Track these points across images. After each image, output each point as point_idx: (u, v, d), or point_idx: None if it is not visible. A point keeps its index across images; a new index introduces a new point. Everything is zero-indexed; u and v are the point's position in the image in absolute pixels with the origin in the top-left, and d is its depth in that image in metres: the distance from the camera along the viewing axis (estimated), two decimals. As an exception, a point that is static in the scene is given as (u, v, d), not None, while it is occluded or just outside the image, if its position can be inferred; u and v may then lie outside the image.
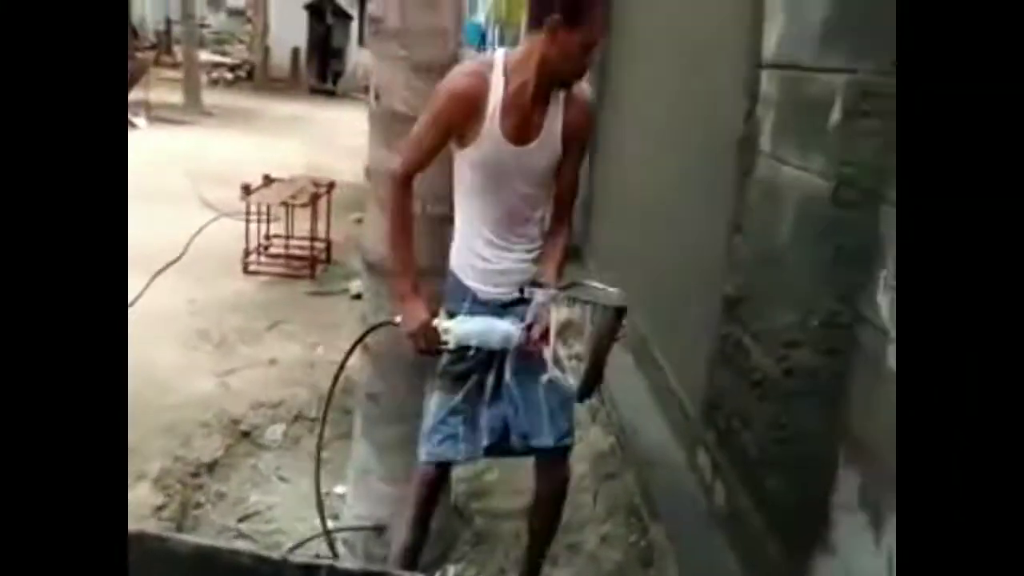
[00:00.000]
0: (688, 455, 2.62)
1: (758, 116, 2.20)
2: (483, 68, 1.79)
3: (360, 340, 2.06)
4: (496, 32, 15.91)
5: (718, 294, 2.38)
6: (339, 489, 2.73)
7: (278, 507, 2.71)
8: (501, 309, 1.89)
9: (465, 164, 1.84)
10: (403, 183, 1.83)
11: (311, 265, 5.38)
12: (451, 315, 1.90)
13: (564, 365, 1.79)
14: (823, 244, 1.67)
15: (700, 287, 2.59)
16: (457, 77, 1.80)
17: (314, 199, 5.56)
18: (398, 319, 1.90)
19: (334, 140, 10.35)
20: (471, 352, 1.87)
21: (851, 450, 1.51)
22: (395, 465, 2.39)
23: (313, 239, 5.50)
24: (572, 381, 1.74)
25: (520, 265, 1.91)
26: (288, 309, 4.59)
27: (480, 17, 17.02)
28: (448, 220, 2.07)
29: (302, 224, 5.54)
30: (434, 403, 1.94)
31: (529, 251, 1.93)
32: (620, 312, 1.66)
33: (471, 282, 1.93)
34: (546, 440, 1.87)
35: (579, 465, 2.86)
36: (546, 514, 2.03)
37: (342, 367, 2.08)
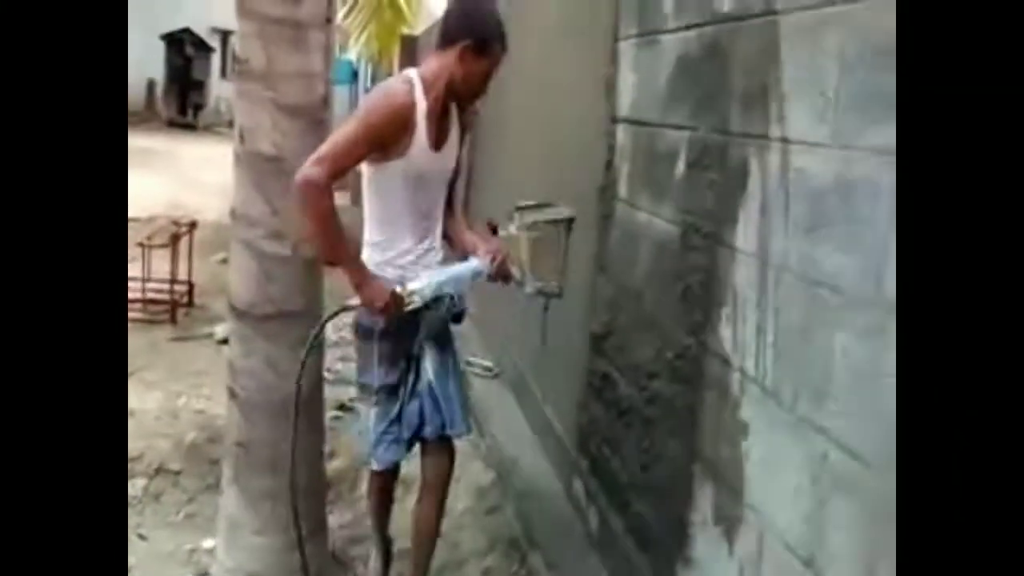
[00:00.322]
0: (565, 484, 2.73)
1: (616, 166, 2.39)
2: (408, 87, 1.96)
3: (321, 328, 2.08)
4: (368, 69, 15.92)
5: (587, 331, 2.53)
6: (207, 543, 2.59)
7: (138, 568, 2.53)
8: (413, 315, 2.01)
9: (393, 175, 1.98)
10: (326, 188, 1.88)
11: (172, 309, 5.09)
12: (364, 330, 2.07)
13: (542, 277, 2.02)
14: (674, 283, 1.85)
15: (571, 324, 2.74)
16: (392, 95, 1.97)
17: (174, 239, 5.28)
18: (354, 301, 2.00)
19: (197, 176, 9.89)
20: (399, 361, 2.07)
21: (704, 470, 1.66)
22: (268, 515, 2.31)
23: (173, 282, 5.21)
24: (555, 284, 2.02)
25: (432, 263, 2.09)
26: (147, 356, 4.31)
27: (352, 54, 16.95)
28: (315, 262, 2.10)
29: (161, 266, 5.24)
30: (375, 417, 2.09)
31: (435, 250, 2.11)
32: (572, 220, 2.00)
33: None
34: (460, 428, 2.11)
35: (461, 501, 2.89)
36: (438, 497, 2.16)
37: (303, 364, 2.03)
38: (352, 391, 3.96)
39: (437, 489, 2.15)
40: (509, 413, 3.40)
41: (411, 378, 2.08)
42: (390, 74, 12.78)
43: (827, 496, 1.19)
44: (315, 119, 2.28)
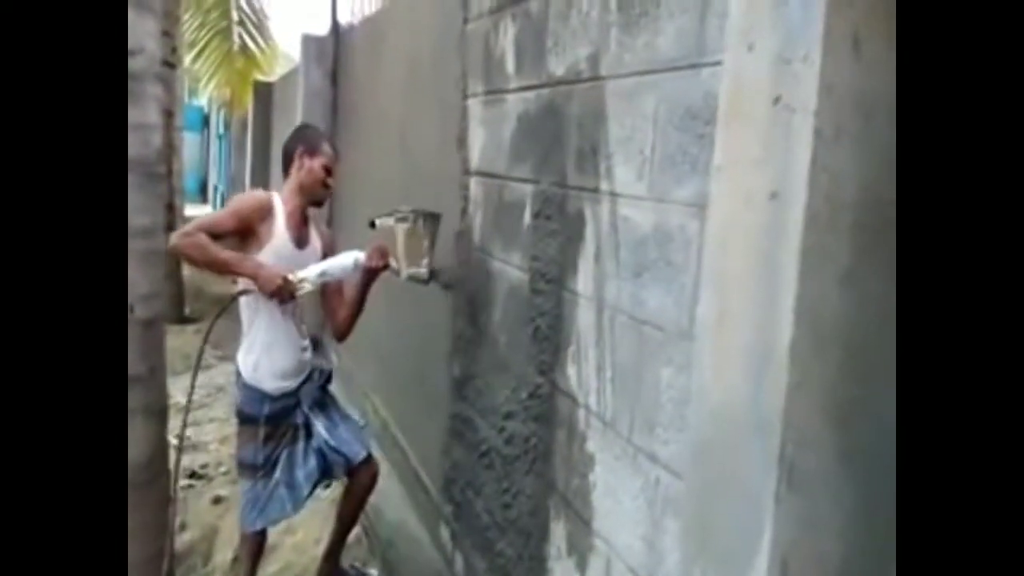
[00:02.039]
0: (431, 532, 2.72)
1: (471, 215, 2.49)
2: (268, 195, 2.41)
3: (219, 314, 2.38)
4: (221, 116, 15.37)
5: (449, 376, 2.57)
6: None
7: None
8: (292, 397, 2.39)
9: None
10: (193, 232, 2.20)
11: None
12: (246, 418, 2.38)
13: (413, 264, 2.36)
14: (525, 326, 1.94)
15: (433, 370, 2.77)
16: (254, 194, 2.46)
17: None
18: (252, 287, 2.28)
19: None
20: (283, 436, 2.39)
21: (558, 504, 1.74)
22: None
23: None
24: (423, 270, 2.34)
25: (302, 356, 2.43)
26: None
27: (202, 100, 16.29)
28: (155, 322, 2.06)
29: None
30: (260, 485, 2.38)
31: (303, 343, 2.44)
32: (438, 216, 2.37)
33: (266, 385, 2.36)
34: (360, 453, 2.45)
35: (325, 563, 2.79)
36: (358, 501, 2.52)
37: (207, 336, 2.33)
38: (203, 458, 3.77)
39: (363, 495, 2.51)
40: (375, 464, 3.35)
41: (301, 445, 2.40)
42: (244, 121, 12.43)
43: (660, 518, 1.30)
44: (149, 172, 2.22)
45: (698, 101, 1.31)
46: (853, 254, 0.83)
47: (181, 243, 2.18)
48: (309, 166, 2.40)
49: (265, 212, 2.31)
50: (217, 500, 3.36)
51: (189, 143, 12.62)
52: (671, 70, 1.42)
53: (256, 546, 2.49)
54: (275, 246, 2.31)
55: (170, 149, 5.89)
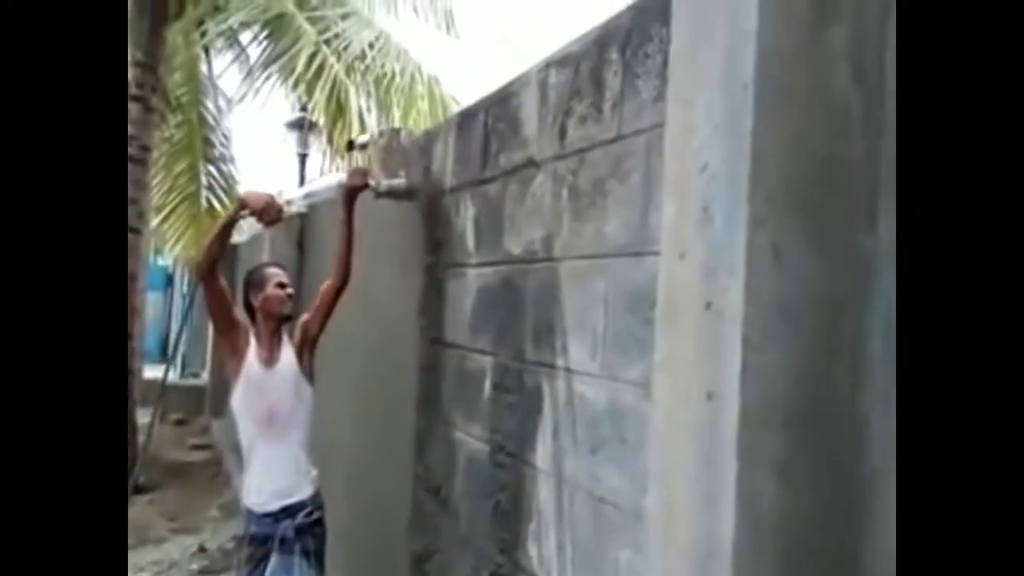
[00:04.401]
0: None
1: (433, 385, 2.52)
2: (248, 331, 2.62)
3: (225, 224, 2.54)
4: (185, 275, 15.46)
5: (408, 552, 2.48)
6: None
7: None
8: (273, 524, 2.42)
9: (238, 391, 2.53)
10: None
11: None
12: (241, 536, 2.51)
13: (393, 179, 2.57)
14: (486, 500, 1.92)
15: (393, 546, 2.67)
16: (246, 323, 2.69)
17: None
18: (245, 212, 2.48)
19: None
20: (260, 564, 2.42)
21: None
22: None
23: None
24: (401, 180, 2.56)
25: (295, 479, 2.49)
26: None
27: (168, 260, 16.45)
28: None
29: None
30: None
31: (301, 465, 2.51)
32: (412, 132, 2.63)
33: (249, 500, 2.48)
34: None
35: None
36: None
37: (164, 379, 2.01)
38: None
39: None
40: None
41: None
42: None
43: None
44: None
45: (644, 286, 1.41)
46: (787, 450, 0.89)
47: (198, 257, 2.57)
48: (265, 296, 2.58)
49: (247, 336, 2.55)
50: None
51: (152, 302, 12.61)
52: (618, 255, 1.54)
53: None
54: (247, 373, 2.52)
55: (132, 313, 5.89)
